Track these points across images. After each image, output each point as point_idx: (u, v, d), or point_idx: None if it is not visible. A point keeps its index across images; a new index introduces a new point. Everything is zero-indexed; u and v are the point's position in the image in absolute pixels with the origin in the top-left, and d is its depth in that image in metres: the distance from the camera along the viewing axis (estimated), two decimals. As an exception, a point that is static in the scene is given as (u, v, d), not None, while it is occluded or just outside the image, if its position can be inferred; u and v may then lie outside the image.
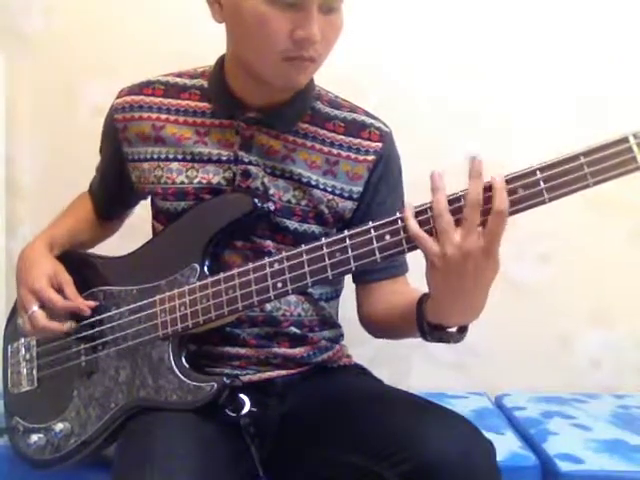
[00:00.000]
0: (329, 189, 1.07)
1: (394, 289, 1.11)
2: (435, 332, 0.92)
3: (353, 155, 1.08)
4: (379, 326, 1.12)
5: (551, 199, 0.78)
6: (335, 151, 1.07)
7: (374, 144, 1.09)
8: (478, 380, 1.67)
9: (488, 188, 0.80)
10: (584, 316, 1.68)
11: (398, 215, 0.85)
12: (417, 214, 0.84)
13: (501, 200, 0.78)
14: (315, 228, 1.07)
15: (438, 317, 0.91)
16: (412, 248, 0.85)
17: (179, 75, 1.12)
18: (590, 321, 1.68)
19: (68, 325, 1.06)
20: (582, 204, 1.61)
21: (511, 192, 0.79)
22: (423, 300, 0.94)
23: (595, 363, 1.70)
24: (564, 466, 1.21)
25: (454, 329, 0.93)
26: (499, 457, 0.89)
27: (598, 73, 1.62)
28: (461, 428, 0.89)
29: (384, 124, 1.12)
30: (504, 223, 0.79)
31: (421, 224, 0.83)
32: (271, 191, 1.05)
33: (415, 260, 0.95)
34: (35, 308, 1.06)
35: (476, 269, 0.81)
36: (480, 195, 0.79)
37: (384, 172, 1.10)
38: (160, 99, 1.09)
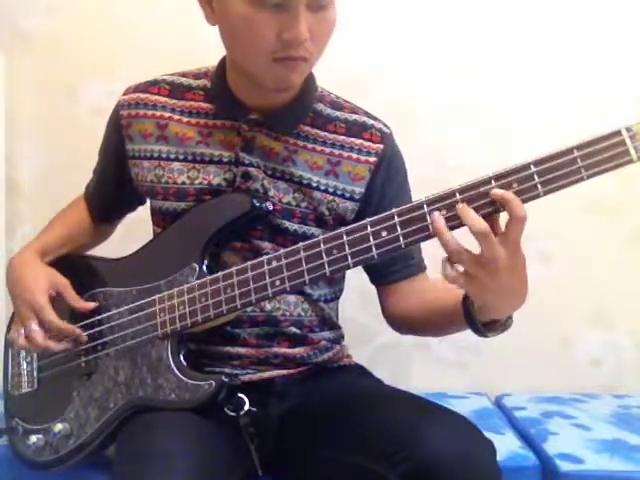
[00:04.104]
0: (330, 190, 1.07)
1: (416, 287, 1.11)
2: (491, 326, 0.93)
3: (355, 156, 1.08)
4: (410, 325, 1.12)
5: (545, 193, 0.78)
6: (337, 152, 1.07)
7: (375, 145, 1.09)
8: (478, 380, 1.67)
9: (480, 184, 0.80)
10: (584, 316, 1.68)
11: (394, 210, 0.86)
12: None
13: (519, 209, 0.78)
14: (315, 230, 1.07)
15: (488, 315, 0.92)
16: (409, 244, 0.85)
17: (183, 75, 1.12)
18: (590, 321, 1.68)
19: (64, 345, 1.07)
20: (583, 205, 1.62)
21: (505, 186, 0.80)
22: (467, 303, 0.94)
23: (595, 363, 1.70)
24: (564, 466, 1.21)
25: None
26: (499, 457, 0.89)
27: (598, 73, 1.62)
28: (461, 428, 0.89)
29: (385, 125, 1.12)
30: (524, 226, 0.79)
31: None
32: (271, 193, 1.05)
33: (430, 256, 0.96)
34: (35, 327, 1.05)
35: (509, 271, 0.82)
36: (483, 225, 0.79)
37: (388, 174, 1.10)
38: (165, 98, 1.10)
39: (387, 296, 1.14)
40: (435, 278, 1.07)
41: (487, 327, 0.93)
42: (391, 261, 1.10)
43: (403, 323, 1.13)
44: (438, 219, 0.81)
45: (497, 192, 0.79)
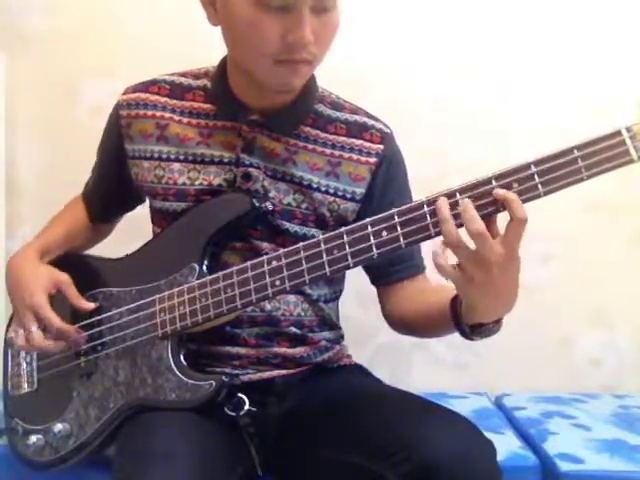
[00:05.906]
0: (331, 191, 1.07)
1: (415, 288, 1.11)
2: (476, 330, 0.92)
3: (355, 156, 1.08)
4: (407, 326, 1.12)
5: (546, 193, 0.79)
6: (337, 153, 1.07)
7: (375, 146, 1.09)
8: (478, 380, 1.67)
9: (480, 184, 0.80)
10: (585, 316, 1.69)
11: (394, 210, 0.86)
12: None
13: (520, 210, 0.78)
14: (315, 231, 1.07)
15: (475, 319, 0.91)
16: (409, 244, 0.85)
17: (183, 75, 1.12)
18: (590, 321, 1.69)
19: (63, 345, 1.06)
20: (584, 206, 1.62)
21: (506, 187, 0.80)
22: (456, 303, 0.94)
23: (595, 363, 1.70)
24: (564, 466, 1.21)
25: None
26: (499, 457, 0.89)
27: (597, 73, 1.62)
28: (461, 428, 0.88)
29: (385, 125, 1.12)
30: (524, 228, 0.79)
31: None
32: (271, 194, 1.05)
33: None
34: (34, 329, 1.05)
35: (502, 272, 0.81)
36: (481, 225, 0.79)
37: (388, 174, 1.10)
38: (165, 98, 1.09)
39: (387, 296, 1.14)
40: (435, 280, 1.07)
41: (473, 330, 0.92)
42: (392, 261, 1.10)
43: (402, 324, 1.13)
44: (443, 205, 0.81)
45: (500, 192, 0.79)
